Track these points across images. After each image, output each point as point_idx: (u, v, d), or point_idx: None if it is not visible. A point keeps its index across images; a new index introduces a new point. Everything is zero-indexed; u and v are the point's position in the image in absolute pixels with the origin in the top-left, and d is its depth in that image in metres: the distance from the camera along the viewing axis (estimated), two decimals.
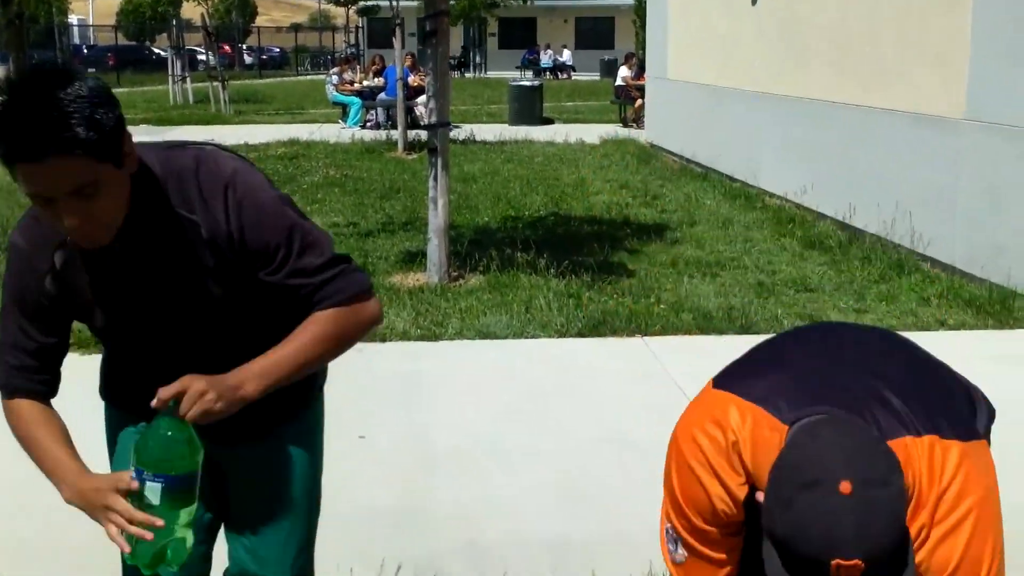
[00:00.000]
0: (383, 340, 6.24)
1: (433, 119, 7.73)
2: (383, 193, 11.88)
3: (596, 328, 6.44)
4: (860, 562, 1.54)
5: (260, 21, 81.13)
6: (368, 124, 20.54)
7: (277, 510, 2.33)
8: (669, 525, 1.98)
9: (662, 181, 12.98)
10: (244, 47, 58.46)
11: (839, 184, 9.72)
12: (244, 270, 2.03)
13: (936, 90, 8.13)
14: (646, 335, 6.37)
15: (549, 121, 21.58)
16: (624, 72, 22.03)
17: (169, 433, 1.85)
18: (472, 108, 25.41)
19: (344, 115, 21.19)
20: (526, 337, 6.37)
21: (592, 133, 18.50)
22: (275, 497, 2.34)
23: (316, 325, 2.06)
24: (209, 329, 2.11)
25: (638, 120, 19.89)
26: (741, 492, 1.84)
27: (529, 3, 37.38)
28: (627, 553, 3.70)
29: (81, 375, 2.57)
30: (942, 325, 6.63)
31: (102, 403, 2.38)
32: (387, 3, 16.09)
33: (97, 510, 1.90)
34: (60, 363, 2.15)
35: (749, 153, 12.17)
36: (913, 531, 1.73)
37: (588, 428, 4.96)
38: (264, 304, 2.12)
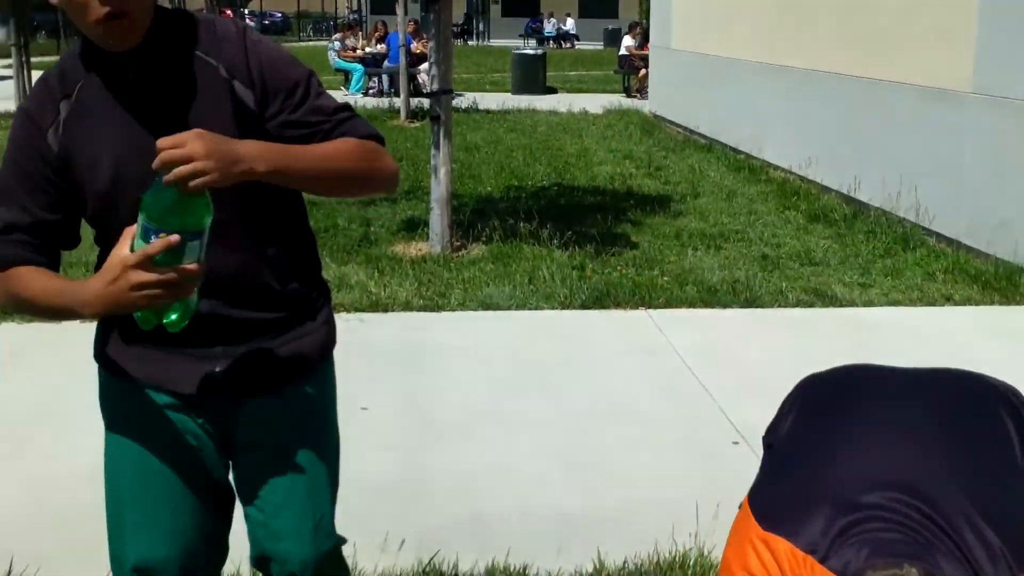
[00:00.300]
0: (385, 310, 6.21)
1: (435, 86, 7.66)
2: None
3: (599, 300, 6.40)
4: None
5: None
6: (371, 91, 20.45)
7: (289, 477, 2.22)
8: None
9: (666, 152, 12.91)
10: (246, 11, 58.07)
11: (844, 157, 9.65)
12: (260, 117, 2.02)
13: (942, 63, 8.05)
14: (650, 307, 6.34)
15: (552, 90, 21.47)
16: (628, 42, 21.90)
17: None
18: (475, 76, 25.26)
19: (347, 82, 21.09)
20: (529, 308, 6.33)
21: (595, 103, 18.39)
22: (285, 462, 2.22)
23: (341, 143, 2.05)
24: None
25: (642, 90, 19.78)
26: None
27: None
28: (633, 526, 3.68)
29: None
30: (948, 300, 6.59)
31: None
32: None
33: (127, 295, 1.79)
34: (60, 245, 2.09)
35: (753, 125, 12.09)
36: None
37: (591, 400, 4.93)
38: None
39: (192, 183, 1.73)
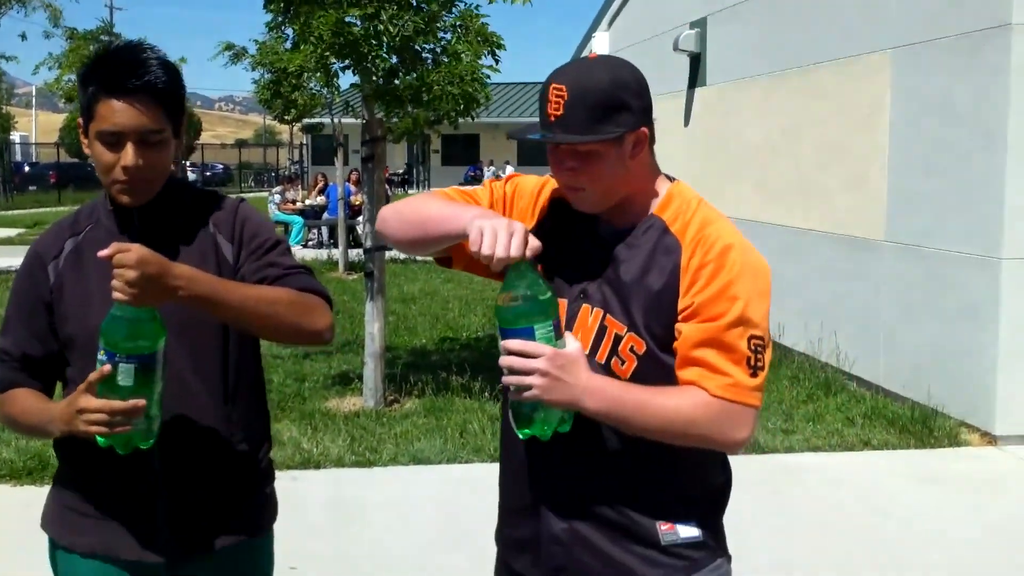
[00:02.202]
0: (317, 467, 6.28)
1: (368, 243, 7.87)
2: None
3: None
4: (559, 86, 1.99)
5: (205, 137, 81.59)
6: (310, 243, 20.70)
7: None
8: (758, 339, 2.00)
9: None
10: (188, 163, 58.70)
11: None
12: (235, 268, 2.25)
13: (856, 212, 8.44)
14: None
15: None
16: None
17: (132, 314, 1.95)
18: None
19: (286, 233, 21.35)
20: (460, 462, 6.43)
21: None
22: None
23: (279, 289, 2.22)
24: (185, 338, 2.19)
25: None
26: None
27: (472, 120, 37.99)
28: None
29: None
30: (866, 445, 6.79)
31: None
32: (330, 121, 16.39)
33: (75, 420, 2.01)
34: (53, 371, 2.30)
35: None
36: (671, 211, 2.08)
37: None
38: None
39: (121, 289, 1.93)
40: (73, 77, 20.21)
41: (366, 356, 7.71)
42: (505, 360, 1.91)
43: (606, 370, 2.02)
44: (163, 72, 2.16)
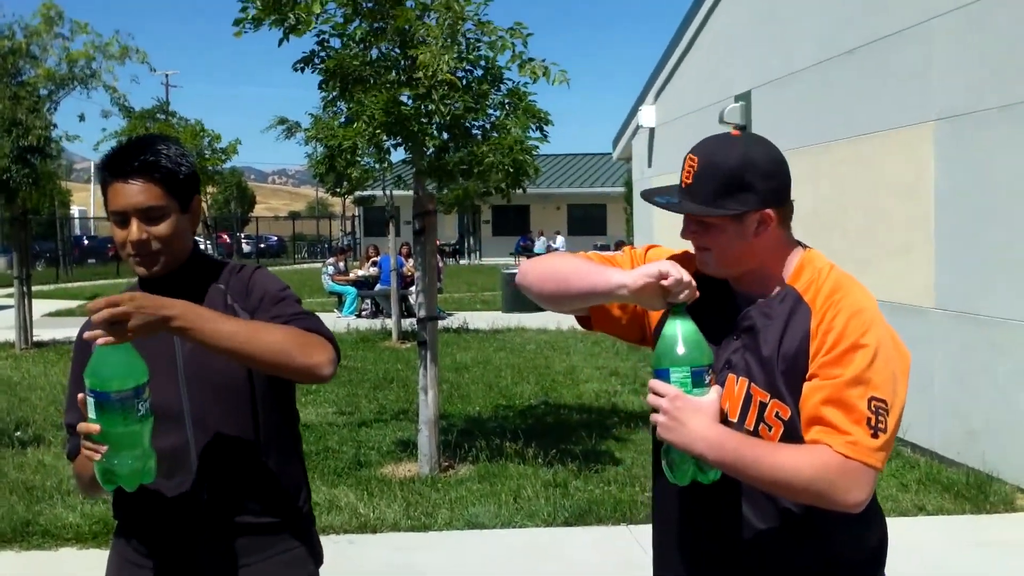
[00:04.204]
0: (374, 531, 6.39)
1: (422, 313, 8.04)
2: (376, 383, 12.13)
3: (582, 516, 6.59)
4: (693, 158, 2.15)
5: (259, 210, 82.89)
6: (364, 313, 20.96)
7: None
8: (880, 400, 2.03)
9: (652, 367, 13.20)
10: (242, 236, 59.70)
11: None
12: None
13: (905, 279, 8.49)
14: (631, 523, 6.52)
15: (542, 308, 21.91)
16: None
17: (107, 352, 2.09)
18: (466, 296, 25.90)
19: (340, 304, 21.64)
20: (514, 526, 6.52)
21: None
22: None
23: (276, 326, 2.35)
24: (213, 392, 2.41)
25: None
26: None
27: (522, 191, 38.31)
28: None
29: None
30: (921, 511, 6.79)
31: None
32: (382, 194, 16.68)
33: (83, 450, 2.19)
34: None
35: None
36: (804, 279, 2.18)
37: None
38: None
39: (111, 329, 2.08)
40: None
41: (420, 423, 7.84)
42: (647, 397, 2.08)
43: (755, 437, 2.10)
44: (163, 155, 2.37)
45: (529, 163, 8.16)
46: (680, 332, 2.05)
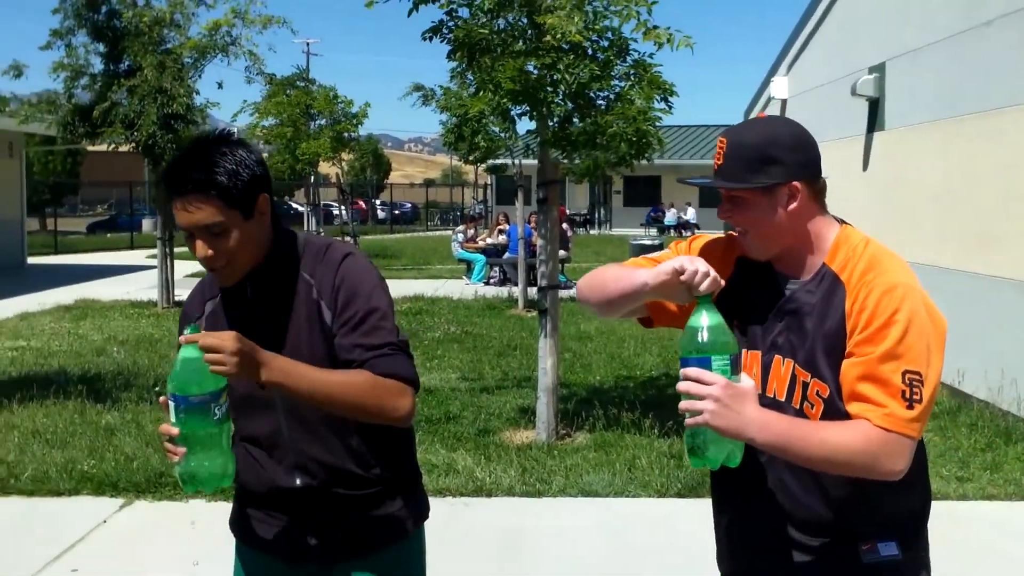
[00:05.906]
0: (489, 495, 6.53)
1: (543, 282, 8.13)
2: (500, 350, 12.29)
3: (694, 489, 6.62)
4: (723, 140, 2.26)
5: (394, 177, 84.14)
6: (492, 280, 21.18)
7: None
8: (914, 373, 2.14)
9: None
10: (377, 202, 60.73)
11: (948, 349, 9.72)
12: (329, 331, 2.44)
13: None
14: None
15: None
16: None
17: (187, 358, 2.19)
18: (595, 266, 25.80)
19: (468, 271, 21.90)
20: (627, 496, 6.59)
21: None
22: None
23: (357, 374, 2.39)
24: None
25: None
26: None
27: (653, 161, 38.06)
28: None
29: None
30: None
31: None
32: (511, 163, 16.81)
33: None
34: None
35: None
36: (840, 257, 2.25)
37: None
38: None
39: (212, 369, 2.17)
40: (270, 121, 21.32)
41: (539, 391, 7.95)
42: (682, 385, 2.11)
43: (800, 415, 2.21)
44: (218, 168, 2.32)
45: (652, 133, 8.16)
46: (712, 322, 2.10)
